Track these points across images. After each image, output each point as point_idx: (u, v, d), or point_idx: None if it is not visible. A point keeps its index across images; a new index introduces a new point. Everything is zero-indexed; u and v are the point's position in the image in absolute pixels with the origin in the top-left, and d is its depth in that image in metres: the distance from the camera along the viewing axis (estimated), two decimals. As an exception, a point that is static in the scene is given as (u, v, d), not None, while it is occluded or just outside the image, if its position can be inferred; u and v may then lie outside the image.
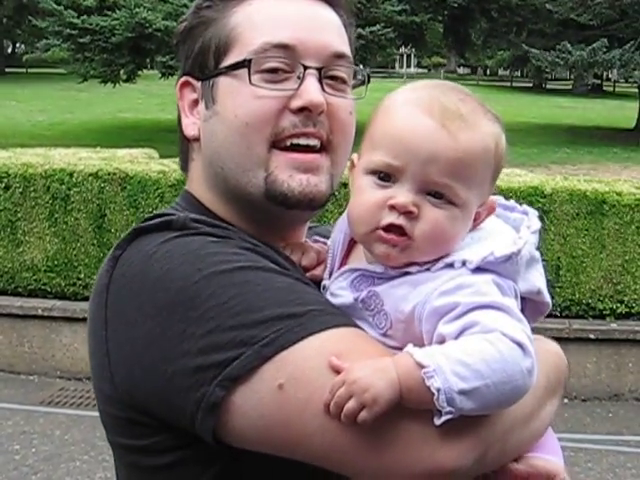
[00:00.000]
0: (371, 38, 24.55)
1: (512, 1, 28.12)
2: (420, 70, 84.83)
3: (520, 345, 1.22)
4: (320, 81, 1.47)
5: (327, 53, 1.49)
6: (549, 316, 7.45)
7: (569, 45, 28.11)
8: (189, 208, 1.52)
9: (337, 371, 1.24)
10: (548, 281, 1.46)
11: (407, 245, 1.35)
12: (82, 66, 23.24)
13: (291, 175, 1.46)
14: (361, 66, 1.58)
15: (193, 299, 1.29)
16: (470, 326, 1.24)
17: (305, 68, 1.46)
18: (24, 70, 57.62)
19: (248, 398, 1.27)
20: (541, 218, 1.49)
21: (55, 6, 24.36)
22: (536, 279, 1.43)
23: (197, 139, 1.54)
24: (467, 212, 1.37)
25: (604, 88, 58.71)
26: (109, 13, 22.89)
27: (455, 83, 1.46)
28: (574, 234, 7.76)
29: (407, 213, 1.34)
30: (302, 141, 1.46)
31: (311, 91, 1.45)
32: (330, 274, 1.47)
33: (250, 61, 1.45)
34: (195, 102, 1.55)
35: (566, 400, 7.76)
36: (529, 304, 1.44)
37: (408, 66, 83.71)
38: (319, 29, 1.50)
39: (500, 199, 1.49)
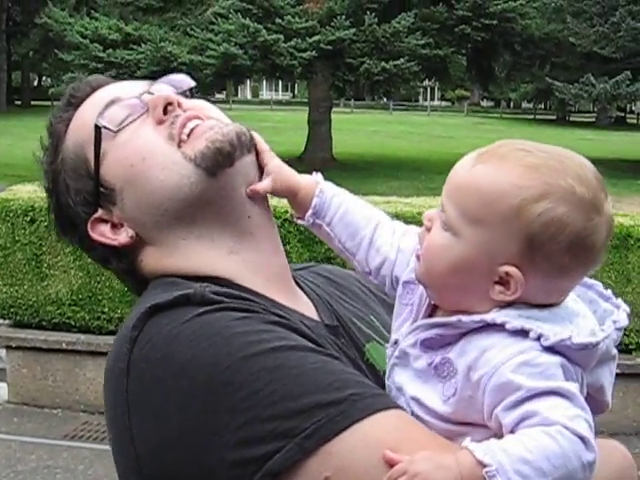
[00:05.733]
0: (395, 72, 24.72)
1: (535, 34, 28.20)
2: (444, 103, 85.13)
3: (582, 438, 1.18)
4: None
5: (140, 85, 1.58)
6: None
7: (592, 78, 28.14)
8: (175, 282, 1.45)
9: (391, 464, 1.19)
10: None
11: (419, 266, 1.35)
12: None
13: (206, 138, 1.46)
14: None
15: (224, 387, 1.23)
16: (530, 416, 1.19)
17: (138, 97, 1.53)
18: (50, 103, 58.32)
19: None
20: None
21: (81, 39, 24.72)
22: (603, 376, 1.38)
23: (134, 236, 1.51)
24: (467, 251, 1.29)
25: (628, 120, 58.61)
26: (134, 47, 23.18)
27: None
28: (599, 268, 7.66)
29: (426, 228, 1.34)
30: (189, 126, 1.48)
31: (156, 96, 1.52)
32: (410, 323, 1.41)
33: (97, 126, 1.51)
34: (112, 225, 1.54)
35: (593, 436, 7.66)
36: (588, 399, 1.35)
37: (432, 99, 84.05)
38: (122, 83, 1.62)
39: (598, 285, 1.43)
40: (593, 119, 57.82)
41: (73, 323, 8.17)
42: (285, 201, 1.54)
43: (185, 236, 1.48)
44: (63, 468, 6.77)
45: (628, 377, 7.63)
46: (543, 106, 73.61)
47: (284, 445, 1.19)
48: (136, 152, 1.48)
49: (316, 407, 1.21)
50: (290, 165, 1.56)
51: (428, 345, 1.33)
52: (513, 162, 1.28)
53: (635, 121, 58.30)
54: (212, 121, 1.51)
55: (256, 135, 1.54)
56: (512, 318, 1.27)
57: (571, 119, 61.43)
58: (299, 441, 1.19)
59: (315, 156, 26.65)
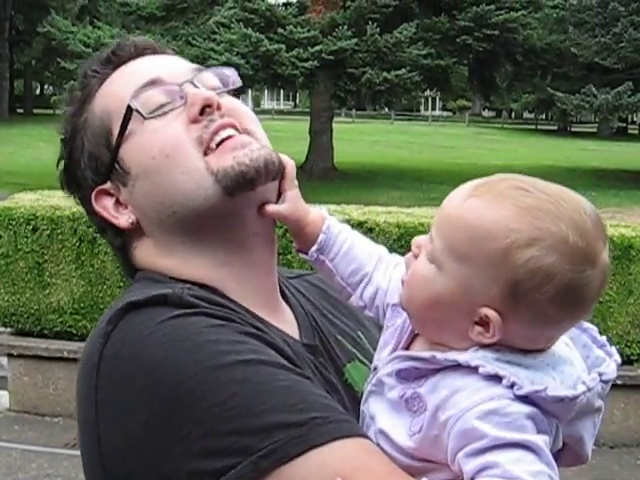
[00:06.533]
0: (397, 82, 24.76)
1: (537, 45, 28.26)
2: (445, 113, 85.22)
3: None
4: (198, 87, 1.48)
5: (188, 70, 1.52)
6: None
7: (594, 88, 28.18)
8: (161, 280, 1.45)
9: None
10: None
11: (402, 292, 1.32)
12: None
13: (234, 156, 1.41)
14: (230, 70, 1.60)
15: (189, 395, 1.22)
16: (490, 467, 1.14)
17: (180, 85, 1.47)
18: (52, 111, 58.39)
19: None
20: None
21: (83, 48, 24.80)
22: (584, 428, 1.31)
23: (135, 223, 1.49)
24: (448, 287, 1.25)
25: (629, 131, 58.62)
26: (137, 57, 23.22)
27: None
28: (601, 279, 7.69)
29: (414, 255, 1.31)
30: (223, 135, 1.44)
31: (198, 93, 1.45)
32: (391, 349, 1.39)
33: (130, 107, 1.45)
34: (117, 202, 1.50)
35: (594, 447, 7.64)
36: (566, 449, 1.32)
37: (433, 109, 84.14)
38: (170, 63, 1.55)
39: (593, 330, 1.36)
40: (594, 130, 57.83)
41: (75, 332, 8.16)
42: None
43: (185, 241, 1.46)
44: (64, 477, 6.76)
45: (630, 388, 7.61)
46: (544, 116, 73.63)
47: (240, 462, 1.18)
48: (161, 146, 1.43)
49: (276, 427, 1.19)
50: None
51: (403, 376, 1.29)
52: (508, 201, 1.22)
53: (637, 132, 58.33)
54: (245, 137, 1.46)
55: (288, 162, 1.50)
56: (487, 362, 1.22)
57: (572, 129, 61.42)
58: (255, 459, 1.18)
59: (316, 166, 26.70)
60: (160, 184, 1.43)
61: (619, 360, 1.32)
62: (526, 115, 78.55)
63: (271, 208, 1.46)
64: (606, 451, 7.61)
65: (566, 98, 29.27)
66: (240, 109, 1.51)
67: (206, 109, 1.44)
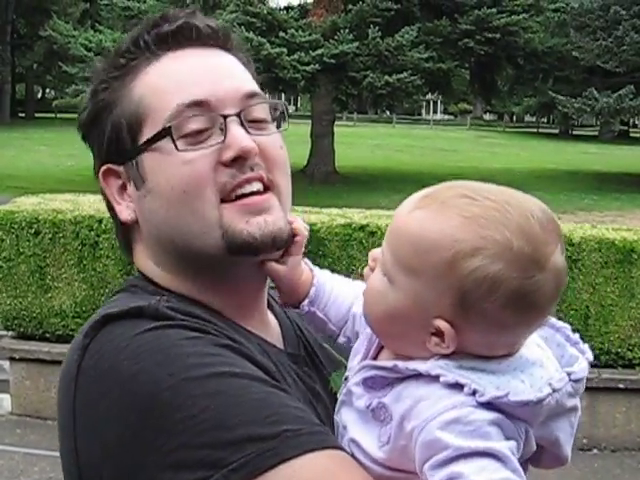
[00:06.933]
0: (398, 85, 24.75)
1: (538, 48, 28.26)
2: (447, 116, 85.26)
3: None
4: (243, 125, 1.42)
5: (239, 96, 1.44)
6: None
7: (596, 92, 28.19)
8: (143, 290, 1.46)
9: None
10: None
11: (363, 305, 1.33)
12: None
13: (248, 221, 1.40)
14: (270, 97, 1.54)
15: (163, 408, 1.22)
16: (455, 477, 1.13)
17: (225, 117, 1.41)
18: (53, 115, 58.49)
19: None
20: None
21: (85, 52, 24.84)
22: (559, 429, 1.29)
23: (135, 221, 1.48)
24: (401, 300, 1.25)
25: (631, 134, 58.64)
26: (139, 61, 23.22)
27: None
28: (603, 283, 7.69)
29: (370, 268, 1.32)
30: (247, 189, 1.41)
31: (239, 138, 1.40)
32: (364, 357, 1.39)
33: (169, 128, 1.39)
34: (123, 186, 1.48)
35: (595, 451, 7.65)
36: (542, 451, 1.31)
37: (435, 112, 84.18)
38: (224, 76, 1.46)
39: (567, 328, 1.36)
40: (596, 133, 57.85)
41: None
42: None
43: (175, 263, 1.46)
44: (66, 480, 6.76)
45: (631, 392, 7.61)
46: (546, 120, 73.68)
47: (211, 475, 1.18)
48: (183, 179, 1.39)
49: (248, 440, 1.19)
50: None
51: (370, 385, 1.29)
52: (452, 211, 1.21)
53: (638, 135, 58.31)
54: (267, 200, 1.43)
55: (301, 232, 1.49)
56: (449, 370, 1.21)
57: (574, 133, 61.45)
58: (226, 473, 1.18)
59: (318, 169, 26.70)
60: (169, 214, 1.42)
61: (591, 357, 1.31)
62: (527, 118, 78.56)
63: (270, 267, 1.47)
64: (608, 455, 7.61)
65: (568, 101, 29.27)
66: (273, 155, 1.46)
67: (240, 158, 1.40)
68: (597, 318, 7.70)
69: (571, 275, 7.50)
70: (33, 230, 8.12)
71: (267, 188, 1.44)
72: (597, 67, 29.19)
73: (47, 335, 8.24)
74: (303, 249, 1.49)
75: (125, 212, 1.48)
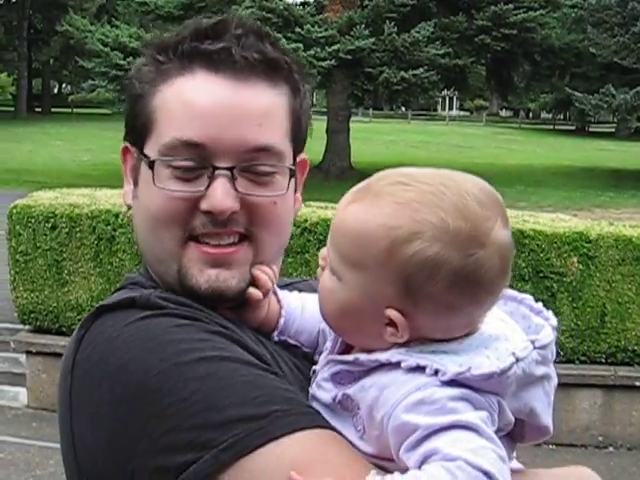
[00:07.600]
0: (414, 81, 24.71)
1: (555, 44, 28.14)
2: (462, 113, 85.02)
3: (486, 473, 1.12)
4: (233, 180, 1.38)
5: (243, 149, 1.38)
6: (594, 363, 7.35)
7: (612, 88, 28.06)
8: (146, 280, 1.49)
9: None
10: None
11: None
12: (127, 108, 23.60)
13: (201, 269, 1.40)
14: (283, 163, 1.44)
15: (153, 394, 1.24)
16: (431, 454, 1.14)
17: (214, 169, 1.37)
18: (70, 110, 58.60)
19: None
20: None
21: (102, 47, 24.87)
22: (534, 399, 1.28)
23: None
24: (350, 295, 1.26)
25: (648, 131, 58.22)
26: (155, 56, 23.27)
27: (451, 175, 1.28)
28: (620, 280, 7.66)
29: (321, 267, 1.32)
30: (214, 241, 1.40)
31: (218, 196, 1.36)
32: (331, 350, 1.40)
33: (153, 163, 1.39)
34: (134, 168, 1.48)
35: (611, 449, 7.62)
36: (522, 424, 1.31)
37: (450, 108, 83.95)
38: (237, 122, 1.38)
39: (529, 299, 1.36)
40: (613, 130, 57.56)
41: (92, 329, 8.19)
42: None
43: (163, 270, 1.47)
44: (81, 474, 6.79)
45: (648, 389, 7.58)
46: (562, 116, 73.38)
47: (201, 456, 1.20)
48: (159, 208, 1.40)
49: (237, 421, 1.21)
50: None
51: (339, 381, 1.30)
52: (385, 200, 1.22)
53: (655, 132, 57.97)
54: (229, 257, 1.41)
55: (264, 281, 1.45)
56: (409, 355, 1.22)
57: (590, 130, 61.18)
58: (216, 453, 1.20)
59: (333, 165, 26.67)
60: (144, 226, 1.46)
61: (555, 323, 1.32)
62: (544, 115, 78.28)
63: (251, 294, 1.44)
64: (624, 453, 7.59)
65: (584, 98, 29.15)
66: (259, 213, 1.41)
67: (212, 214, 1.38)
68: (614, 315, 7.67)
69: (588, 272, 7.49)
70: (50, 224, 8.15)
71: (245, 237, 1.42)
72: (614, 63, 29.04)
73: (63, 329, 8.28)
74: (263, 304, 1.46)
75: (128, 196, 1.51)
